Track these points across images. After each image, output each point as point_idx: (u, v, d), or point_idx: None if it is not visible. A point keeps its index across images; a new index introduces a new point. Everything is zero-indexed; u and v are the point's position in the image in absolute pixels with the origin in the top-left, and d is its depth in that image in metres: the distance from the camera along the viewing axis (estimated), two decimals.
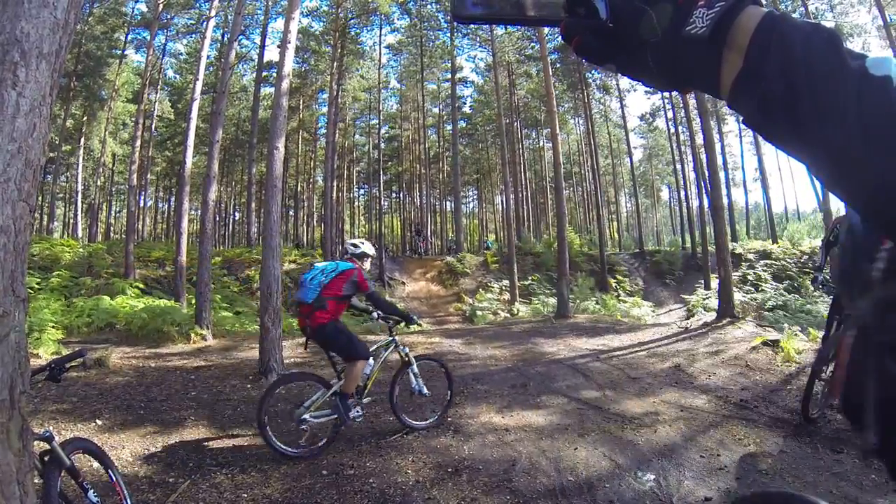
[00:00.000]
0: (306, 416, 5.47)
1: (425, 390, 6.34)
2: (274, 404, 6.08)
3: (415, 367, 6.41)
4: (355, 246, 6.33)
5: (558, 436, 5.78)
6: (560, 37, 0.68)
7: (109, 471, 3.64)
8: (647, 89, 40.45)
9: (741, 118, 0.62)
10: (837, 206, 23.65)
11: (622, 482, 4.58)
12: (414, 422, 6.22)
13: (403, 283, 28.09)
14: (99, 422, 6.11)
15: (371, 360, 6.03)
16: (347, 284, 5.85)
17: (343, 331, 5.78)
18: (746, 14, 0.59)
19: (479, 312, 21.38)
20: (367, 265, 6.40)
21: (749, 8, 0.59)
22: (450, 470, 4.93)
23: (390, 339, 6.36)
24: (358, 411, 5.78)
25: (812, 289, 18.12)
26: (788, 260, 28.00)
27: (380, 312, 6.33)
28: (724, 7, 0.59)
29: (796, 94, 0.54)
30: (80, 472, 3.26)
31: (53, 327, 10.60)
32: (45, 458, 3.01)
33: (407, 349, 6.42)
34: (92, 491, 3.29)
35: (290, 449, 5.33)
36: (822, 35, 0.55)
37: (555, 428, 6.07)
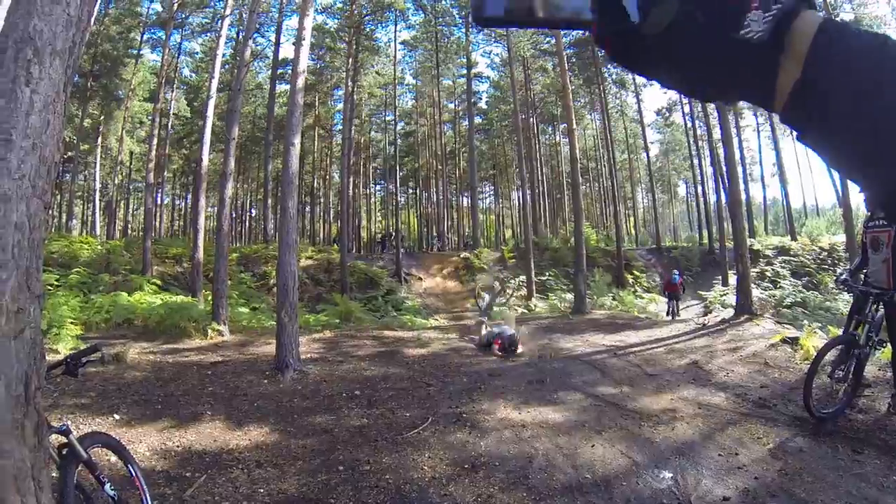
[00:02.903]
0: None
1: None
2: None
3: None
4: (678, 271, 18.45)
5: (575, 432, 5.75)
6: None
7: (129, 465, 3.66)
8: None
9: (796, 135, 0.56)
10: (857, 202, 23.40)
11: (640, 480, 4.55)
12: None
13: (420, 279, 28.12)
14: (117, 416, 6.15)
15: None
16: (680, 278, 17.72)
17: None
18: (803, 19, 0.54)
19: (495, 308, 21.35)
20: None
21: (805, 12, 0.54)
22: (466, 466, 4.92)
23: None
24: None
25: (833, 287, 17.87)
26: (807, 256, 27.78)
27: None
28: (782, 9, 0.53)
29: (861, 112, 0.49)
30: (97, 466, 3.29)
31: (72, 323, 10.68)
32: (63, 452, 3.03)
33: None
34: (109, 484, 3.31)
35: None
36: (893, 49, 0.50)
37: (572, 424, 6.04)
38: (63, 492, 2.84)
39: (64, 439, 3.07)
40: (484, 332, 11.88)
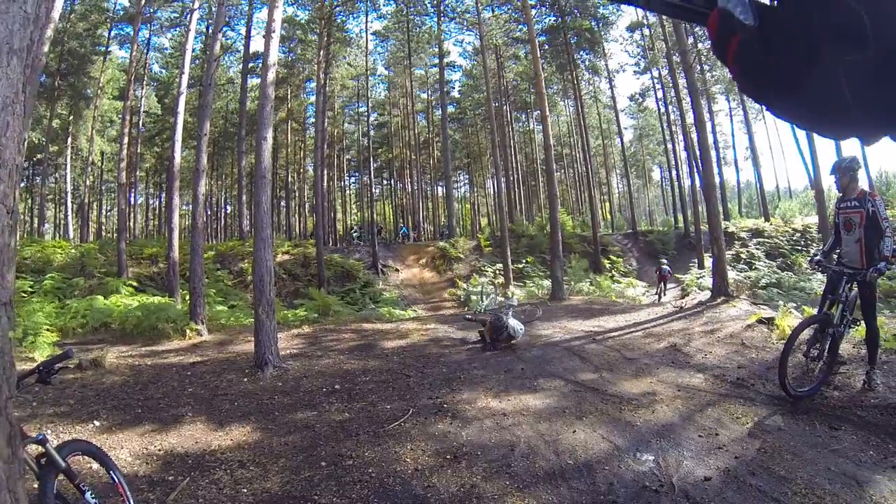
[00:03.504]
0: None
1: None
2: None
3: None
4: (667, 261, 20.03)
5: (556, 419, 5.78)
6: (708, 37, 0.49)
7: (111, 472, 3.63)
8: (636, 68, 40.36)
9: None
10: (829, 184, 23.81)
11: (621, 463, 4.58)
12: None
13: (397, 270, 28.15)
14: (97, 423, 6.08)
15: None
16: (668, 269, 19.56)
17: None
18: None
19: (473, 297, 21.36)
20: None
21: None
22: (448, 457, 4.93)
23: None
24: None
25: (807, 268, 18.06)
26: (781, 237, 28.18)
27: None
28: None
29: None
30: (76, 474, 3.25)
31: (48, 330, 10.50)
32: (41, 461, 2.99)
33: None
34: (90, 492, 3.27)
35: None
36: None
37: (552, 411, 6.07)
38: (43, 503, 2.84)
39: (41, 449, 3.02)
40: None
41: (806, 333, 5.97)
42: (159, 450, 5.28)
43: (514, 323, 9.94)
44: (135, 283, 17.15)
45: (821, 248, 6.68)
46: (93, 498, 3.27)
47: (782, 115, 0.48)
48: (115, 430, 5.89)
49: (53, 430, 5.70)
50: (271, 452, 5.21)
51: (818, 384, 5.80)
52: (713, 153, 26.53)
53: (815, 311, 6.73)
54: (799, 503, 3.78)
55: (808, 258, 6.50)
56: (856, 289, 5.91)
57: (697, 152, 19.32)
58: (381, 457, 5.00)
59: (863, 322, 6.04)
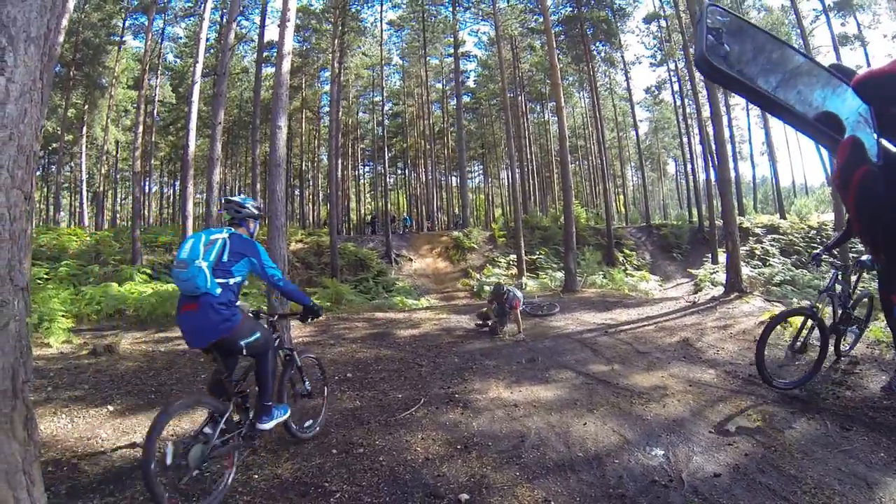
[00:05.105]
0: None
1: None
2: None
3: None
4: None
5: (567, 410, 5.79)
6: (833, 157, 0.51)
7: (326, 384, 6.06)
8: (653, 60, 40.07)
9: None
10: None
11: (631, 457, 4.58)
12: None
13: (411, 260, 28.13)
14: (111, 407, 6.13)
15: None
16: None
17: None
18: None
19: (486, 287, 21.33)
20: None
21: None
22: (459, 446, 4.94)
23: None
24: None
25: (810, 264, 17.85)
26: (796, 234, 27.91)
27: None
28: None
29: None
30: (303, 370, 5.53)
31: (63, 316, 10.55)
32: (286, 359, 5.32)
33: None
34: (307, 382, 5.50)
35: None
36: None
37: (563, 402, 6.08)
38: (282, 381, 5.09)
39: (289, 352, 5.40)
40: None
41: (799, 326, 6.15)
42: (172, 434, 5.32)
43: (513, 290, 10.81)
44: (149, 271, 17.21)
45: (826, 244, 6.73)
46: (308, 386, 5.51)
47: (885, 250, 0.51)
48: (127, 414, 5.94)
49: (69, 413, 5.76)
50: (281, 439, 5.24)
51: (804, 378, 5.89)
52: (729, 147, 26.34)
53: (828, 310, 6.72)
54: (808, 502, 3.77)
55: (814, 257, 6.56)
56: (850, 287, 6.06)
57: (713, 146, 19.21)
58: (392, 445, 5.02)
59: (875, 324, 6.07)
